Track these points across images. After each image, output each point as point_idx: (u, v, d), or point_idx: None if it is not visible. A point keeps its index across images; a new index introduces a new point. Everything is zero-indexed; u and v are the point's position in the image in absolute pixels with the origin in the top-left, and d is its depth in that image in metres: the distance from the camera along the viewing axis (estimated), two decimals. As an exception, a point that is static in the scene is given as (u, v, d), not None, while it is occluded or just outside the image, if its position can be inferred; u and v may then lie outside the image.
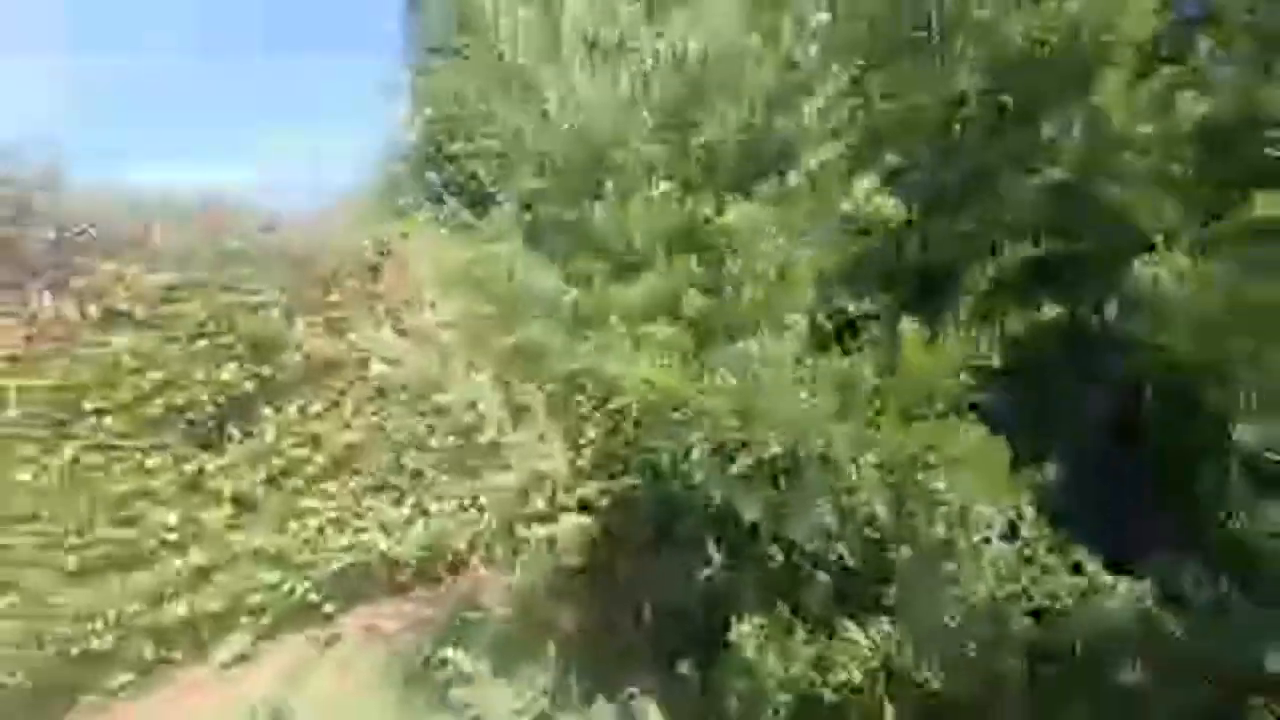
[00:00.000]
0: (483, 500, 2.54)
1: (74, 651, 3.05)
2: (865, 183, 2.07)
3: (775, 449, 1.78)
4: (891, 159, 2.14)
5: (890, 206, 2.02)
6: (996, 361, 1.78)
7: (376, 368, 3.65)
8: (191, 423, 3.38)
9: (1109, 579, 1.66)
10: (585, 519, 2.22)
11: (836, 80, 2.17)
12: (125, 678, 3.16)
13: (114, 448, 3.14)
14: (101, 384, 3.11)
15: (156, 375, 3.22)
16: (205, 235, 3.39)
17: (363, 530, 3.85)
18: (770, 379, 1.78)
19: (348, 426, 3.83)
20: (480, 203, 3.35)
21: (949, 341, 1.82)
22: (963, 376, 1.81)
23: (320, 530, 3.76)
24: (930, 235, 2.19)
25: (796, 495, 1.85)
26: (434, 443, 3.68)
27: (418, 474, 3.86)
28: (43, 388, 3.00)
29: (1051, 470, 1.74)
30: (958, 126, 2.26)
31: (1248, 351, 1.53)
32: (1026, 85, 2.12)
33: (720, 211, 2.05)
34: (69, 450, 3.04)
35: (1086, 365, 1.97)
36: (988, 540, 1.73)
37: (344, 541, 3.79)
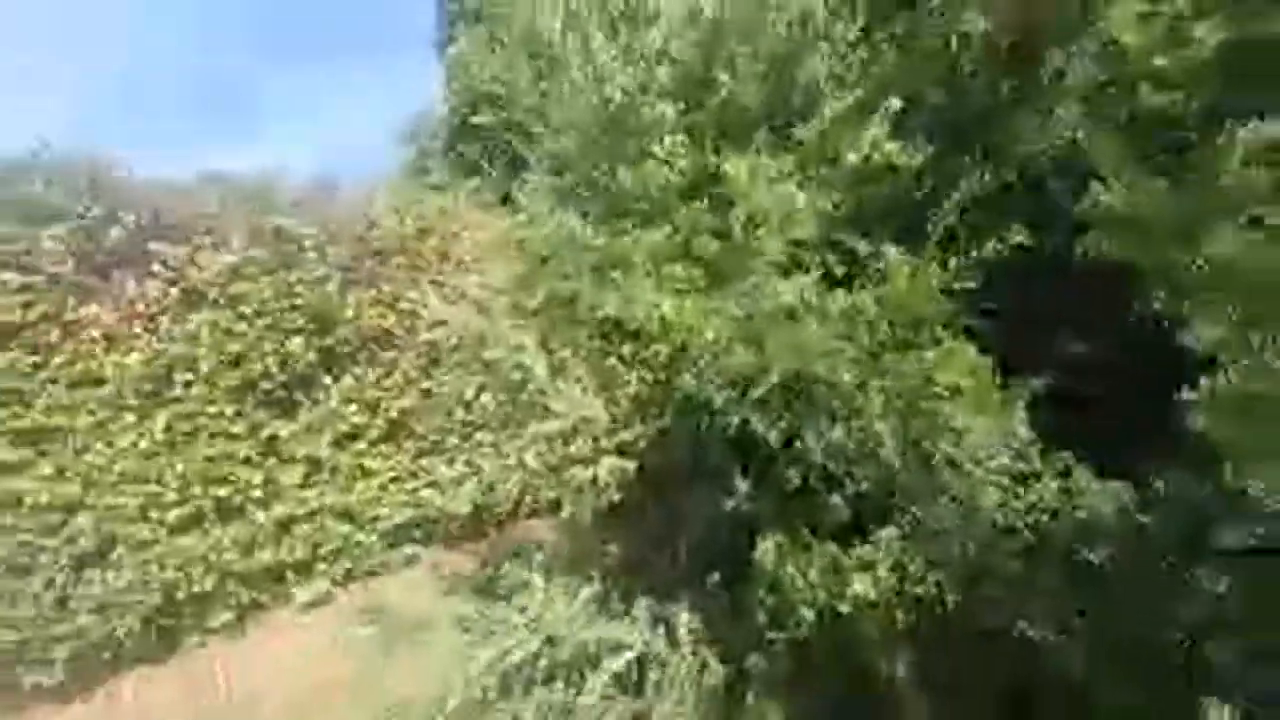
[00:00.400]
0: (532, 451, 2.76)
1: (179, 595, 3.45)
2: (873, 131, 2.15)
3: (779, 376, 1.93)
4: (897, 105, 2.20)
5: (898, 153, 2.11)
6: (974, 285, 1.89)
7: (426, 335, 3.91)
8: (266, 392, 3.70)
9: (1095, 485, 1.79)
10: (624, 461, 2.43)
11: (846, 32, 2.24)
12: (225, 616, 3.56)
13: (200, 415, 3.48)
14: (185, 359, 3.44)
15: (232, 349, 3.53)
16: (256, 216, 3.64)
17: (419, 489, 4.16)
18: (773, 312, 1.93)
19: (402, 393, 4.12)
20: (512, 172, 3.52)
21: (929, 269, 1.93)
22: (948, 303, 1.93)
23: (383, 488, 4.08)
24: (938, 175, 2.26)
25: (808, 419, 2.01)
26: (484, 400, 3.91)
27: (468, 435, 4.13)
28: (135, 364, 3.34)
29: (1039, 386, 1.86)
30: (966, 68, 2.29)
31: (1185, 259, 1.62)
32: (1032, 21, 2.14)
33: (723, 163, 2.18)
34: (162, 419, 3.39)
35: (1062, 289, 2.05)
36: (990, 457, 1.87)
37: (403, 499, 4.12)
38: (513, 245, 2.53)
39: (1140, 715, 1.57)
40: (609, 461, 2.45)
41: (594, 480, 2.46)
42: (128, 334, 3.38)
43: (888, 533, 1.94)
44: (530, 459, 2.68)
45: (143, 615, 3.43)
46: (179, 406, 3.42)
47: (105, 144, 3.57)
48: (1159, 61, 1.87)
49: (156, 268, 3.45)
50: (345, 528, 3.94)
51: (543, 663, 2.14)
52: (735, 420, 2.06)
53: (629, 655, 2.10)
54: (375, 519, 4.05)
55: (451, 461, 4.21)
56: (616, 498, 2.49)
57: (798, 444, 2.06)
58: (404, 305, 3.91)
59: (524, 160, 3.12)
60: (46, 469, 3.18)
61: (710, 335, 1.97)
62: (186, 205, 3.65)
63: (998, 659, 1.81)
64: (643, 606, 2.23)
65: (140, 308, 3.41)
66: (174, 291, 3.42)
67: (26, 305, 3.15)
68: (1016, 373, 1.98)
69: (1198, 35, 1.82)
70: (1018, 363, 1.96)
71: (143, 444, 3.35)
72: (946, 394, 1.85)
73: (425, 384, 4.14)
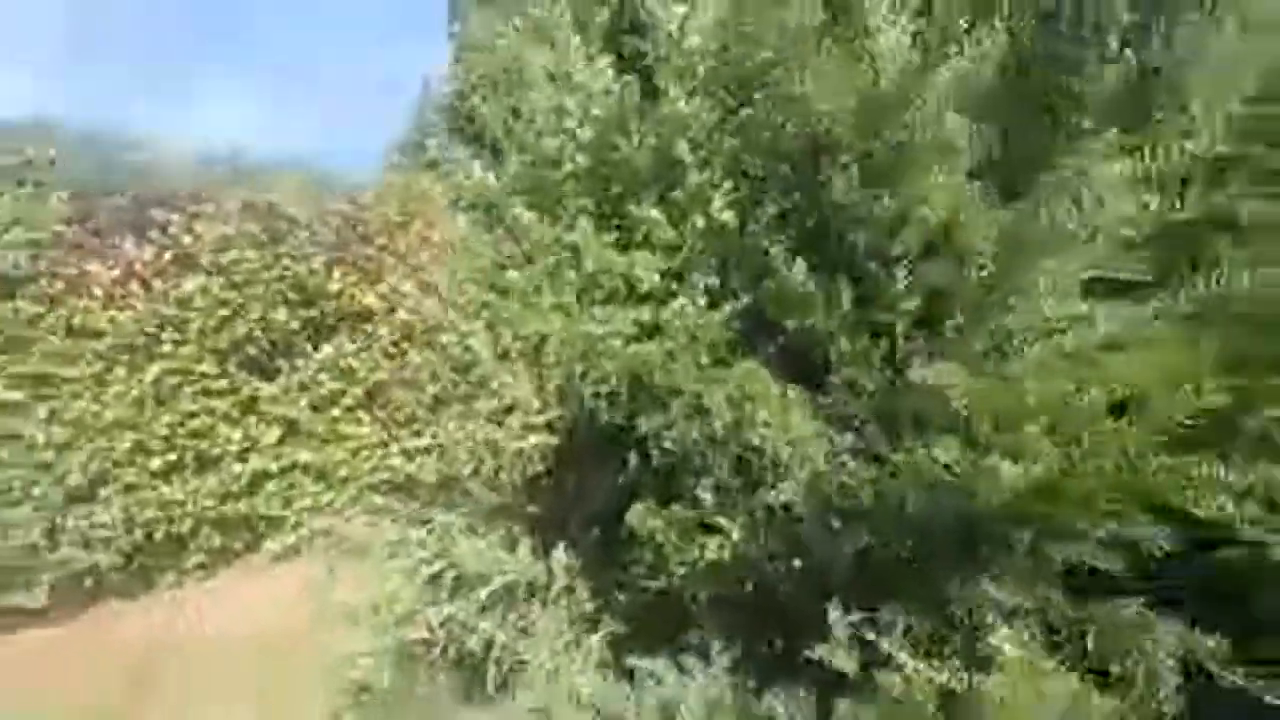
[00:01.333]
0: (481, 426, 3.14)
1: (158, 535, 3.77)
2: (717, 201, 2.76)
3: (624, 382, 2.42)
4: (728, 187, 2.85)
5: (727, 217, 2.79)
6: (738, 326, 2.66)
7: (401, 315, 4.21)
8: (250, 356, 4.00)
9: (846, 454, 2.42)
10: (547, 437, 2.85)
11: (707, 119, 2.83)
12: (199, 558, 3.89)
13: (187, 372, 3.77)
14: (176, 319, 3.73)
15: (221, 314, 3.82)
16: (251, 192, 3.93)
17: (389, 456, 4.47)
18: (621, 333, 2.40)
19: (378, 366, 4.41)
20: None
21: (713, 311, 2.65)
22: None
23: (354, 453, 4.39)
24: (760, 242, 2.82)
25: (653, 415, 2.47)
26: (443, 379, 4.25)
27: (435, 409, 4.44)
28: (129, 320, 3.63)
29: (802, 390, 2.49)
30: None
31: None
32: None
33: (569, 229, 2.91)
34: (152, 373, 3.68)
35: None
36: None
37: (374, 464, 4.43)
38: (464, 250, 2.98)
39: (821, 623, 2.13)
40: (534, 438, 2.86)
41: (520, 452, 2.85)
42: (125, 292, 3.66)
43: (713, 504, 2.44)
44: (479, 434, 3.04)
45: (124, 551, 3.76)
46: (168, 363, 3.71)
47: (118, 104, 3.94)
48: None
49: (155, 234, 3.73)
50: (317, 486, 4.26)
51: (447, 580, 2.59)
52: (600, 414, 2.51)
53: (510, 577, 2.68)
54: (346, 480, 4.36)
55: (419, 433, 4.51)
56: (541, 468, 2.90)
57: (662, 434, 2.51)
58: (383, 286, 4.19)
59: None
60: (43, 411, 3.49)
61: (579, 348, 2.42)
62: (187, 177, 3.93)
63: (773, 592, 2.43)
64: (526, 544, 2.70)
65: (138, 268, 3.70)
66: (169, 256, 3.71)
67: (34, 259, 3.44)
68: (795, 383, 2.56)
69: None
70: (797, 376, 2.54)
71: (133, 394, 3.65)
72: (751, 400, 2.31)
73: (400, 360, 4.44)
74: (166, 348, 3.71)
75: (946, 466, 1.97)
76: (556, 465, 2.93)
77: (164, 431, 3.70)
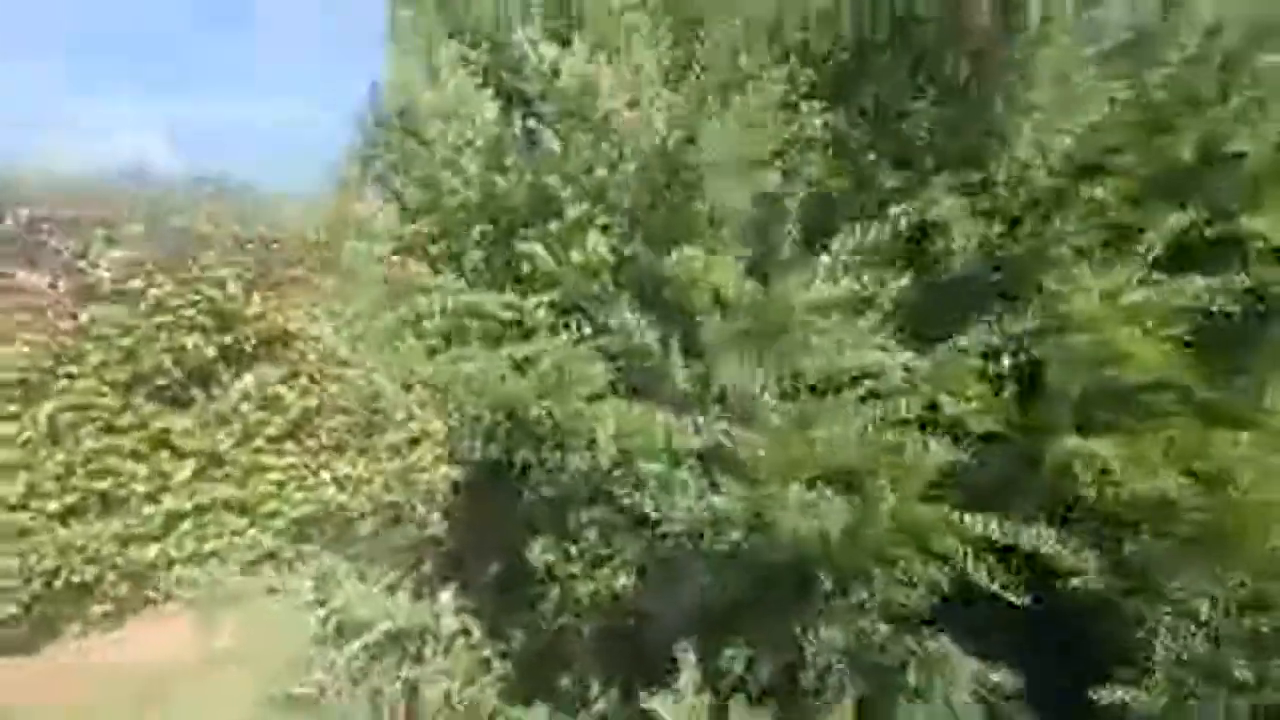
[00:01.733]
0: (396, 457, 2.99)
1: (58, 584, 3.50)
2: (592, 236, 2.83)
3: (498, 417, 2.31)
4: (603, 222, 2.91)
5: (604, 252, 2.81)
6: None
7: (324, 343, 4.00)
8: (158, 387, 3.75)
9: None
10: (454, 469, 2.73)
11: (585, 155, 2.90)
12: (104, 608, 3.63)
13: (87, 407, 3.52)
14: (72, 351, 3.48)
15: (123, 343, 3.58)
16: (159, 213, 3.71)
17: (319, 486, 4.24)
18: (482, 369, 2.28)
19: (305, 393, 4.18)
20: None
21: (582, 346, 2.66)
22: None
23: (281, 485, 4.15)
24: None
25: (527, 448, 2.37)
26: (354, 410, 4.07)
27: (369, 436, 4.22)
28: (19, 354, 3.37)
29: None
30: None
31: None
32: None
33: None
34: (47, 408, 3.43)
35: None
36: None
37: (302, 496, 4.19)
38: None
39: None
40: (443, 469, 2.74)
41: (427, 485, 2.74)
42: (14, 323, 3.41)
43: (598, 539, 2.37)
44: (387, 466, 2.91)
45: (22, 602, 3.49)
46: (65, 399, 3.47)
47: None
48: None
49: (50, 260, 3.49)
50: (240, 522, 4.01)
51: (339, 627, 2.45)
52: (477, 452, 2.41)
53: (398, 623, 2.68)
54: (272, 515, 4.12)
55: (354, 463, 4.28)
56: (449, 501, 2.79)
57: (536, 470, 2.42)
58: (306, 310, 3.98)
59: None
60: (-77, 456, 3.22)
61: (452, 387, 2.30)
62: (87, 199, 3.70)
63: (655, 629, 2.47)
64: (407, 588, 2.59)
65: (30, 299, 3.45)
66: (64, 284, 3.47)
67: (-92, 292, 3.19)
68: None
69: None
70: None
71: (25, 434, 3.40)
72: (633, 435, 2.27)
73: (330, 387, 4.21)
74: (62, 383, 3.46)
75: (758, 515, 2.04)
76: (461, 500, 2.86)
77: (59, 471, 3.45)
